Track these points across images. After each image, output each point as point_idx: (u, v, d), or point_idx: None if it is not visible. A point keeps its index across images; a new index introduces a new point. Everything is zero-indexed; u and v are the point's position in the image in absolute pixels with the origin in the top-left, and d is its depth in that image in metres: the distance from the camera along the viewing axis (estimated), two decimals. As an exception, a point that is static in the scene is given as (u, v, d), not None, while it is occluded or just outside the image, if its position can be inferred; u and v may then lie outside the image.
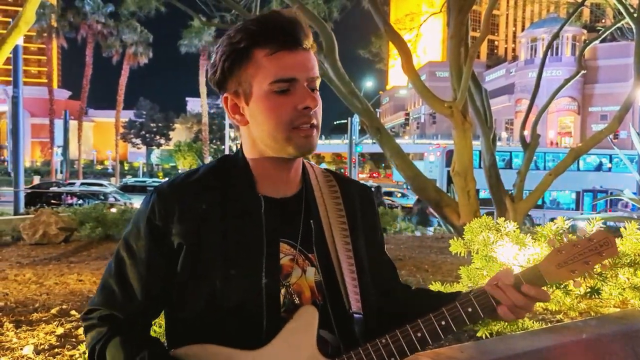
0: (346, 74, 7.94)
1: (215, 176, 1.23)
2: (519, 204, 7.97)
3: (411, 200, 24.66)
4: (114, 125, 53.12)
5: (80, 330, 3.10)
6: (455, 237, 2.75)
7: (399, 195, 29.43)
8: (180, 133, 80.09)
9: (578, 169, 22.47)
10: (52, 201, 19.24)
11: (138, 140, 77.89)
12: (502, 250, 2.57)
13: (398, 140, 10.20)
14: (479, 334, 2.35)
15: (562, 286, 2.43)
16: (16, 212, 12.49)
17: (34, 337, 3.07)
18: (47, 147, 63.74)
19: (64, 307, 3.84)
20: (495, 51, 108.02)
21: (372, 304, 1.27)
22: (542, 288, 1.19)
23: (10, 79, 16.26)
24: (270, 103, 1.15)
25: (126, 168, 75.39)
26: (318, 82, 1.19)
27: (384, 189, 23.31)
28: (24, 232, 7.65)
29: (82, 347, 2.71)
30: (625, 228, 2.59)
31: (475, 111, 8.56)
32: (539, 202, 13.11)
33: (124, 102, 51.80)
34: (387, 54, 29.55)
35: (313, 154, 1.28)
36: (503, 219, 2.73)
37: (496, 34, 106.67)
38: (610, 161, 24.90)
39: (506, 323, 2.32)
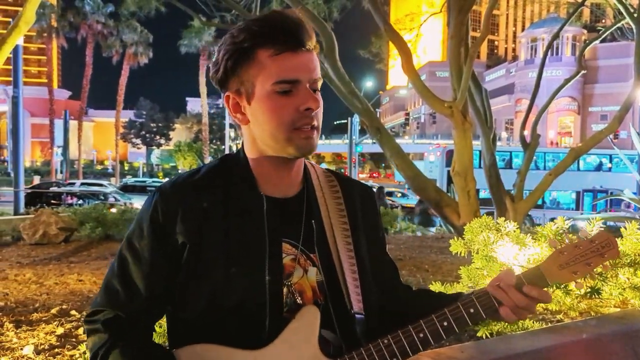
0: (346, 74, 7.94)
1: (217, 175, 1.24)
2: (519, 204, 7.98)
3: (411, 200, 24.69)
4: (114, 125, 53.11)
5: (81, 330, 3.10)
6: (455, 237, 2.75)
7: (399, 195, 29.43)
8: (180, 133, 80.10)
9: (578, 169, 22.47)
10: (52, 201, 19.23)
11: (138, 140, 77.88)
12: (503, 250, 2.57)
13: (398, 140, 10.18)
14: (479, 334, 2.35)
15: (563, 286, 2.43)
16: (16, 212, 12.49)
17: (34, 337, 3.07)
18: (47, 147, 63.72)
19: (64, 307, 3.85)
20: (495, 51, 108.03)
21: (374, 303, 1.27)
22: (544, 289, 1.19)
23: (10, 79, 16.27)
24: (273, 103, 1.15)
25: (126, 168, 75.38)
26: (320, 83, 1.19)
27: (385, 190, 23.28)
28: (24, 232, 7.65)
29: (83, 347, 2.71)
30: (625, 228, 2.59)
31: (475, 111, 8.56)
32: (539, 202, 13.10)
33: (124, 102, 51.90)
34: (387, 54, 29.52)
35: (313, 154, 1.28)
36: (503, 219, 2.73)
37: (496, 34, 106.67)
38: (610, 161, 24.91)
39: (506, 323, 2.31)
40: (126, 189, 27.96)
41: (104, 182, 32.65)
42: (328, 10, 16.35)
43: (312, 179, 1.30)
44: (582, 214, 19.08)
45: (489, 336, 2.32)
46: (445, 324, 1.16)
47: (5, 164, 57.58)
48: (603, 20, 20.42)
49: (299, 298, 1.20)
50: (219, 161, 1.29)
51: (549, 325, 2.52)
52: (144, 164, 68.28)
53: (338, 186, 1.32)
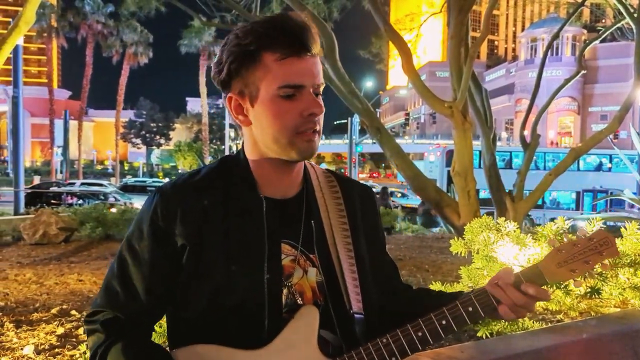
0: (346, 74, 7.94)
1: (217, 176, 1.24)
2: (519, 204, 7.97)
3: (411, 200, 24.69)
4: (114, 125, 53.11)
5: (81, 330, 3.10)
6: (455, 237, 2.75)
7: (399, 195, 29.44)
8: (180, 133, 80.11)
9: (578, 169, 22.46)
10: (52, 201, 19.21)
11: (138, 140, 77.90)
12: (503, 250, 2.58)
13: (398, 140, 10.19)
14: (479, 334, 2.35)
15: (563, 286, 2.43)
16: (16, 212, 12.49)
17: (34, 337, 3.07)
18: (47, 147, 63.75)
19: (64, 307, 3.85)
20: (495, 51, 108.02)
21: (373, 304, 1.28)
22: (542, 287, 1.19)
23: (10, 79, 16.28)
24: (276, 107, 1.15)
25: (126, 168, 75.37)
26: (322, 88, 1.20)
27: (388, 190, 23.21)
28: (24, 232, 7.66)
29: (83, 347, 2.71)
30: (625, 228, 2.59)
31: (475, 111, 8.56)
32: (539, 202, 13.10)
33: (124, 102, 51.92)
34: (387, 54, 29.49)
35: (313, 155, 1.28)
36: (503, 219, 2.73)
37: (496, 34, 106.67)
38: (610, 161, 24.90)
39: (506, 323, 2.32)
40: (126, 189, 27.94)
41: (104, 182, 32.64)
42: (328, 11, 16.35)
43: (311, 179, 1.30)
44: (582, 214, 19.08)
45: (489, 336, 2.33)
46: (443, 322, 1.16)
47: (5, 164, 57.70)
48: (603, 20, 20.42)
49: (299, 299, 1.20)
50: (219, 162, 1.29)
51: (549, 325, 2.52)
52: (144, 164, 68.26)
53: (338, 186, 1.32)
